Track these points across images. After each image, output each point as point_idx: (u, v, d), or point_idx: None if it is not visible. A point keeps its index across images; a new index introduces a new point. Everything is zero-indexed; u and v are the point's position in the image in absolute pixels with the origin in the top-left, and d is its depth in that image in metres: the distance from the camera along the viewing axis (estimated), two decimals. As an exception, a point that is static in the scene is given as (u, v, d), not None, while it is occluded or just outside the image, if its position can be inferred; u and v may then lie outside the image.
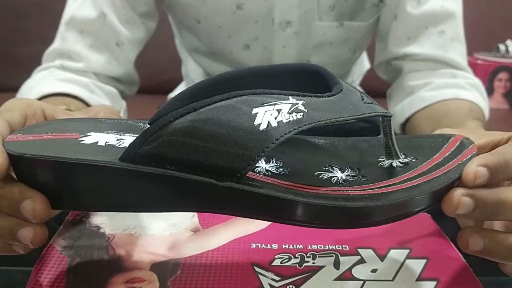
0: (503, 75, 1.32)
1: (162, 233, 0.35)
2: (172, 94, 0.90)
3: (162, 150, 0.26)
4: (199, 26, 0.69)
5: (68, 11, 0.64)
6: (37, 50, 1.30)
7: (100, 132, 0.31)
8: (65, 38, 0.63)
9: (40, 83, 0.59)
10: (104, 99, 0.61)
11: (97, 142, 0.30)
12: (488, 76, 1.32)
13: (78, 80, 0.60)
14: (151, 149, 0.26)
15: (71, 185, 0.27)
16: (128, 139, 0.30)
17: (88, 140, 0.30)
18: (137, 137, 0.26)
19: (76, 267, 0.32)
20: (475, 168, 0.27)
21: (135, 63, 0.68)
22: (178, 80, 0.90)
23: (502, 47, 1.34)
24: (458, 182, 0.28)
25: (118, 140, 0.30)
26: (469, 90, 0.61)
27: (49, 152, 0.27)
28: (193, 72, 0.81)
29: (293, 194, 0.27)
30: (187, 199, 0.27)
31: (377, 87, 0.75)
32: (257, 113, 0.26)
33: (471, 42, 1.46)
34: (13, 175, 0.29)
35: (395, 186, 0.28)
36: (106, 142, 0.30)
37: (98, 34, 0.63)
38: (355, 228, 0.27)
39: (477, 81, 0.64)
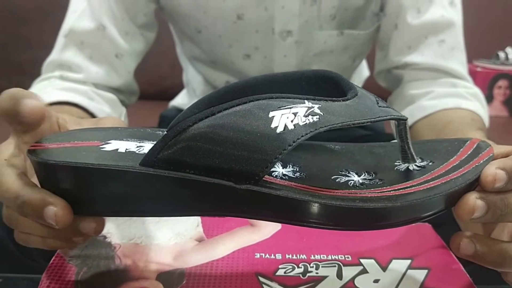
0: (502, 83, 1.33)
1: (168, 243, 0.36)
2: (174, 101, 0.90)
3: (181, 154, 0.27)
4: (200, 35, 0.69)
5: (67, 23, 0.64)
6: (38, 56, 1.30)
7: (120, 139, 0.32)
8: (64, 50, 0.63)
9: (40, 93, 0.59)
10: (104, 105, 0.62)
11: (117, 149, 0.30)
12: (487, 83, 1.33)
13: (77, 89, 0.60)
14: (170, 154, 0.27)
15: (92, 191, 0.28)
16: (147, 146, 0.31)
17: (109, 147, 0.30)
18: (156, 142, 0.27)
19: (84, 277, 0.32)
20: (494, 171, 0.28)
21: (136, 69, 0.69)
22: (179, 86, 0.91)
23: (501, 54, 1.35)
24: (476, 184, 0.28)
25: (137, 147, 0.31)
26: (470, 99, 0.62)
27: (71, 158, 0.28)
28: (193, 80, 0.82)
29: (310, 196, 0.27)
30: (206, 202, 0.28)
31: (377, 94, 0.76)
32: (273, 116, 0.26)
33: (471, 49, 1.47)
34: (36, 182, 0.29)
35: (413, 188, 0.28)
36: (126, 149, 0.30)
37: (97, 46, 0.63)
38: (371, 229, 0.28)
39: (477, 91, 0.65)
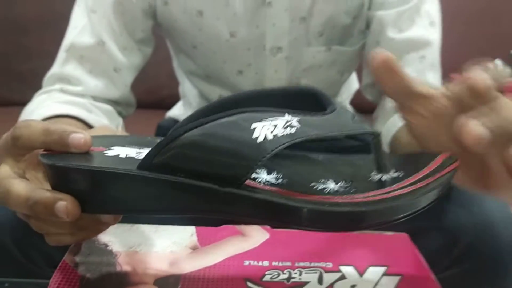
0: (490, 93, 1.37)
1: (164, 251, 0.39)
2: (170, 112, 0.93)
3: (173, 160, 0.30)
4: (195, 51, 0.73)
5: (68, 38, 0.67)
6: (39, 65, 1.33)
7: (122, 146, 0.35)
8: (65, 64, 0.66)
9: (40, 106, 0.62)
10: (101, 117, 0.65)
11: (119, 155, 0.34)
12: (476, 94, 1.36)
13: (76, 102, 0.63)
14: (164, 159, 0.30)
15: (96, 191, 0.32)
16: (145, 152, 0.34)
17: (111, 153, 0.34)
18: (152, 149, 0.31)
19: (88, 282, 0.35)
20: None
21: (135, 79, 0.72)
22: (176, 96, 0.93)
23: (490, 66, 1.39)
24: (440, 194, 0.32)
25: (137, 153, 0.34)
26: None
27: (78, 162, 0.32)
28: (189, 93, 0.85)
29: (285, 199, 0.30)
30: (195, 203, 0.31)
31: (368, 105, 0.79)
32: (255, 127, 0.30)
33: (461, 61, 1.51)
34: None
35: (382, 195, 0.31)
36: (127, 155, 0.34)
37: (96, 61, 0.66)
38: (338, 231, 0.31)
39: None
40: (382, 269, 0.37)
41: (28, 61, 1.37)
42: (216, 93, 0.78)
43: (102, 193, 0.32)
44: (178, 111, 0.91)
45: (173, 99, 0.96)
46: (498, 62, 1.39)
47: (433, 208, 0.47)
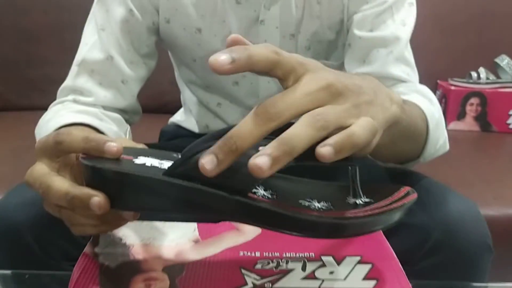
0: (474, 100, 1.43)
1: (171, 243, 0.46)
2: (173, 118, 1.00)
3: (191, 171, 0.36)
4: (195, 63, 0.79)
5: (80, 54, 0.73)
6: (47, 73, 1.41)
7: (146, 157, 0.42)
8: (77, 77, 0.72)
9: (56, 115, 0.67)
10: (111, 124, 0.70)
11: (145, 163, 0.40)
12: (460, 100, 1.43)
13: (88, 111, 0.68)
14: (184, 170, 0.37)
15: (125, 191, 0.38)
16: (166, 163, 0.40)
17: (138, 161, 0.41)
18: (176, 160, 0.38)
19: (106, 270, 0.42)
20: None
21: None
22: (178, 101, 0.98)
23: (474, 74, 1.45)
24: (396, 219, 0.38)
25: (159, 163, 0.41)
26: (408, 94, 0.67)
27: (112, 166, 0.38)
28: (189, 101, 0.91)
29: (282, 209, 0.36)
30: (206, 207, 0.37)
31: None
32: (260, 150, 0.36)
33: (447, 69, 1.59)
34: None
35: (353, 214, 0.38)
36: (151, 164, 0.40)
37: (106, 74, 0.72)
38: (320, 238, 0.37)
39: (421, 87, 0.69)
40: (356, 259, 0.44)
41: (37, 69, 1.43)
42: (214, 101, 0.85)
43: (130, 193, 0.38)
44: (180, 118, 0.97)
45: (175, 104, 1.01)
46: (482, 70, 1.46)
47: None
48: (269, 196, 0.40)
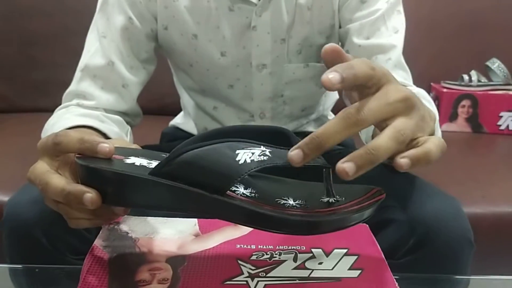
0: (466, 102, 1.46)
1: (173, 237, 0.49)
2: (173, 121, 1.03)
3: (175, 171, 0.40)
4: (191, 68, 0.83)
5: (83, 60, 0.77)
6: (49, 76, 1.45)
7: (137, 157, 0.46)
8: (80, 82, 0.76)
9: (61, 119, 0.71)
10: (113, 126, 0.73)
11: (134, 163, 0.44)
12: (452, 102, 1.47)
13: (91, 114, 0.72)
14: (168, 170, 0.40)
15: (115, 188, 0.42)
16: (154, 163, 0.44)
17: (128, 161, 0.44)
18: (161, 161, 0.41)
19: (114, 260, 0.46)
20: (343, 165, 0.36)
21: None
22: (178, 103, 1.02)
23: (466, 77, 1.49)
24: (365, 218, 0.41)
25: (148, 163, 0.44)
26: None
27: (104, 165, 0.42)
28: (188, 105, 0.95)
29: (255, 207, 0.40)
30: (188, 204, 0.41)
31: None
32: (238, 153, 0.40)
33: (440, 72, 1.63)
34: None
35: (324, 212, 0.42)
36: (140, 163, 0.44)
37: (107, 78, 0.76)
38: (294, 234, 0.40)
39: (420, 90, 0.73)
40: (343, 251, 0.48)
41: (40, 72, 1.46)
42: (210, 105, 0.89)
43: (120, 190, 0.42)
44: (180, 121, 1.01)
45: (176, 106, 1.05)
46: (473, 73, 1.50)
47: (393, 205, 0.58)
48: (248, 194, 0.44)
